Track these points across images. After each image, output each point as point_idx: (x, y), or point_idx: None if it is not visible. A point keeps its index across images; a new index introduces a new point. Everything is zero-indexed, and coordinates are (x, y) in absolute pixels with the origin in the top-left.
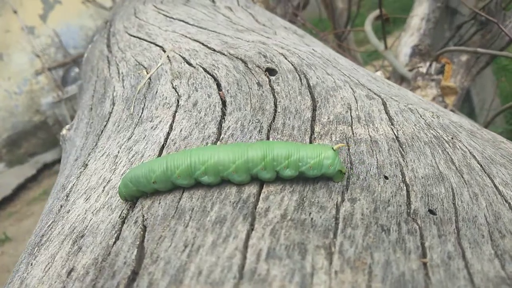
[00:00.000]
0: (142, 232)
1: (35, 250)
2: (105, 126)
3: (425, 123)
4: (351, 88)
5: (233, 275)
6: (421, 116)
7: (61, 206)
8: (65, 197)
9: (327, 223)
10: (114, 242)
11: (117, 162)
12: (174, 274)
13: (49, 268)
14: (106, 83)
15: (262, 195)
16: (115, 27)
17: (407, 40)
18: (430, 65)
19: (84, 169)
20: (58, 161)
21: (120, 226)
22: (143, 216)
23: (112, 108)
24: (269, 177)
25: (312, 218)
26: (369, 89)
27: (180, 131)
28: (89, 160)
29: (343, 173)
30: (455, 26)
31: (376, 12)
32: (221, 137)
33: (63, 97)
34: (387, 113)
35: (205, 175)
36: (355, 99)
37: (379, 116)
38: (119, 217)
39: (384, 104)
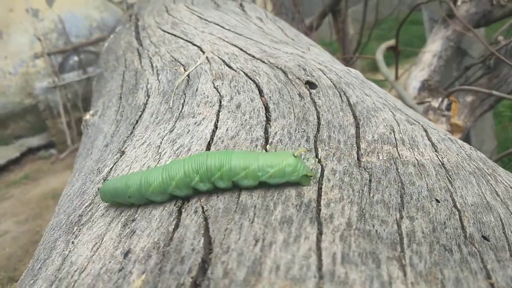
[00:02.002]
0: (204, 222)
1: (75, 229)
2: (140, 116)
3: (466, 154)
4: (391, 112)
5: (313, 274)
6: (460, 146)
7: (99, 189)
8: (102, 181)
9: (392, 237)
10: (174, 229)
11: (160, 153)
12: (250, 266)
13: (98, 248)
14: (138, 75)
15: (322, 202)
16: (144, 21)
17: (417, 74)
18: (442, 101)
19: (122, 155)
20: (43, 146)
21: (177, 214)
22: (203, 208)
23: (147, 100)
24: (225, 186)
25: (376, 230)
26: (407, 114)
27: (226, 130)
28: (125, 148)
29: (309, 177)
30: (464, 67)
31: (388, 42)
32: (269, 141)
33: (59, 84)
34: (429, 139)
35: (178, 189)
36: (397, 122)
37: (422, 141)
38: (174, 205)
39: (425, 130)
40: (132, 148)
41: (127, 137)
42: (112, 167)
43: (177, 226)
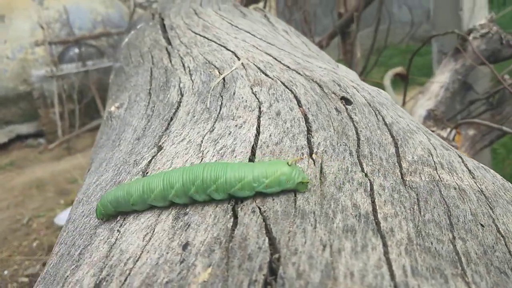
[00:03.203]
0: (264, 223)
1: (119, 218)
2: (174, 113)
3: (500, 184)
4: (425, 135)
5: (388, 284)
6: (493, 176)
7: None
8: (141, 173)
9: (451, 255)
10: (233, 226)
11: (203, 151)
12: (323, 270)
13: (151, 238)
14: (168, 73)
15: (379, 215)
16: (171, 21)
17: (423, 103)
18: (451, 131)
19: (159, 150)
20: (33, 135)
21: (232, 212)
22: (260, 208)
23: (181, 98)
24: (221, 198)
25: (435, 248)
26: (439, 140)
27: (270, 136)
28: (163, 143)
29: (305, 183)
30: (468, 101)
31: (396, 69)
32: (314, 151)
33: (56, 74)
34: (465, 166)
35: (177, 197)
36: (433, 146)
37: (460, 167)
38: (228, 203)
39: (460, 157)
40: (170, 144)
41: (162, 132)
42: (150, 160)
43: (235, 223)
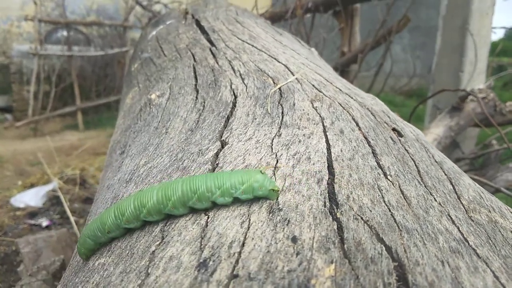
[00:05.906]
0: (371, 231)
1: None
2: (231, 112)
3: None
4: (471, 179)
5: None
6: None
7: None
8: (209, 163)
9: None
10: (339, 229)
11: (275, 153)
12: (451, 283)
13: (249, 226)
14: (216, 72)
15: (471, 243)
16: (210, 24)
17: None
18: None
19: (225, 145)
20: (1, 109)
21: (330, 215)
22: (361, 216)
23: (235, 99)
24: (204, 207)
25: None
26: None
27: (341, 151)
28: (227, 139)
29: (276, 191)
30: (454, 158)
31: None
32: (387, 174)
33: (39, 52)
34: (511, 212)
35: (150, 215)
36: (480, 190)
37: (508, 213)
38: (323, 206)
39: (504, 204)
40: (236, 141)
41: (222, 128)
42: (217, 153)
43: (340, 228)
